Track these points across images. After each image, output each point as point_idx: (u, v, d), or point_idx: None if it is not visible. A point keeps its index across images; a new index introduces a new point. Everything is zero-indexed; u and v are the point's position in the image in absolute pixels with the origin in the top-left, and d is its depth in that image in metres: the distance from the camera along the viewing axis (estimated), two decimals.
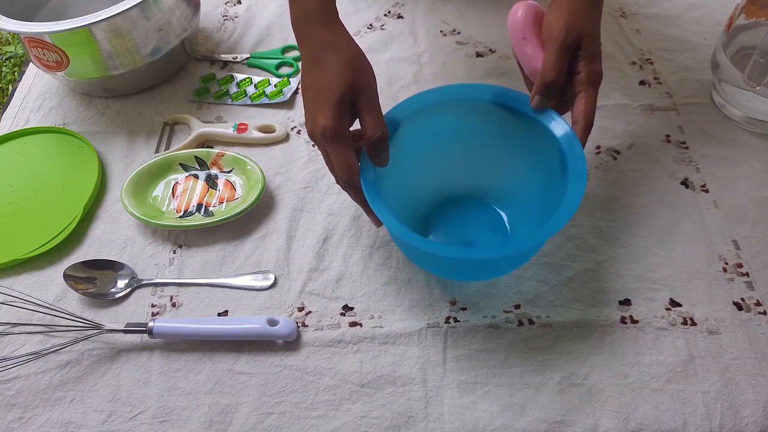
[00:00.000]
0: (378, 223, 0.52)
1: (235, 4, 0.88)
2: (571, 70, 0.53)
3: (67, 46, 0.67)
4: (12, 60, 1.79)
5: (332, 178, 0.66)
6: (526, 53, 0.55)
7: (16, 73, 1.74)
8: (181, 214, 0.63)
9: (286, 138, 0.70)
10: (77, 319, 0.55)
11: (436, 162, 0.58)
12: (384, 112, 0.52)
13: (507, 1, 0.60)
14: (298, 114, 0.73)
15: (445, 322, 0.55)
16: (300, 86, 0.58)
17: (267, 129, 0.70)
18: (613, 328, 0.54)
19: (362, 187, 0.50)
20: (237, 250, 0.61)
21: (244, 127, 0.70)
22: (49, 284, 0.59)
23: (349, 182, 0.50)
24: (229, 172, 0.66)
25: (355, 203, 0.53)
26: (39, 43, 0.68)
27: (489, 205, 0.62)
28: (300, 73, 0.56)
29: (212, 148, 0.69)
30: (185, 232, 0.62)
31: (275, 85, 0.75)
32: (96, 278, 0.59)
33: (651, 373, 0.51)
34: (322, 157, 0.70)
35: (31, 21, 0.68)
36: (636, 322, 0.54)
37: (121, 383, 0.53)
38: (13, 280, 0.60)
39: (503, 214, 0.61)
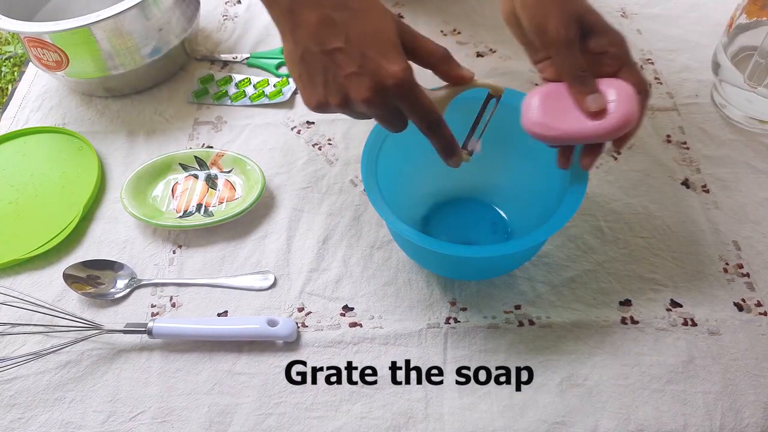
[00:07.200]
0: (458, 162, 0.47)
1: (235, 4, 0.88)
2: (587, 52, 0.48)
3: (67, 46, 0.67)
4: (12, 60, 1.79)
5: (332, 178, 0.66)
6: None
7: (15, 73, 1.74)
8: (181, 214, 0.63)
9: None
10: (77, 320, 0.55)
11: (436, 162, 0.58)
12: None
13: None
14: (298, 114, 0.73)
15: (445, 323, 0.55)
16: (313, 48, 0.42)
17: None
18: (613, 328, 0.54)
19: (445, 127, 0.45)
20: (237, 250, 0.61)
21: None
22: (48, 284, 0.59)
23: (438, 118, 0.44)
24: (228, 172, 0.66)
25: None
26: (39, 43, 0.67)
27: (489, 205, 0.62)
28: (302, 38, 0.42)
29: (212, 148, 0.69)
30: (185, 232, 0.62)
31: (274, 85, 0.75)
32: (96, 278, 0.59)
33: (651, 374, 0.51)
34: (320, 159, 0.69)
35: (31, 21, 0.68)
36: (636, 322, 0.54)
37: (121, 383, 0.53)
38: (13, 280, 0.60)
39: (504, 214, 0.61)
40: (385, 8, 0.43)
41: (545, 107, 0.48)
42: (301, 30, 0.42)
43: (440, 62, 0.45)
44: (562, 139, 0.48)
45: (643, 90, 0.48)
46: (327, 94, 0.43)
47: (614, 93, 0.46)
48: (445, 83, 0.47)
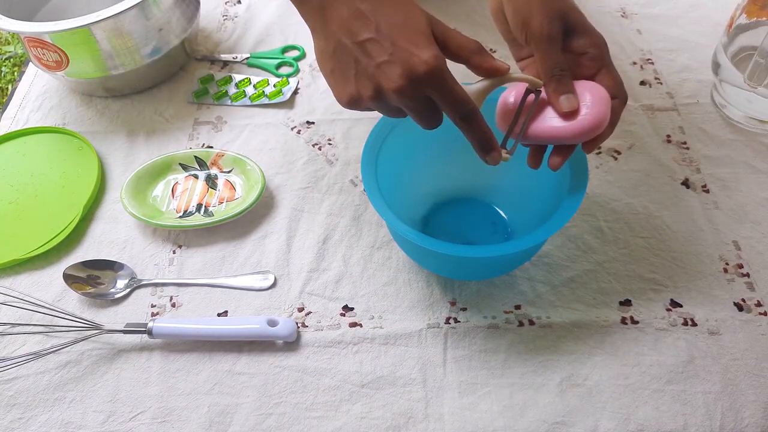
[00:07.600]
0: (497, 159, 0.44)
1: (235, 4, 0.88)
2: (568, 51, 0.48)
3: (67, 46, 0.67)
4: (12, 60, 1.79)
5: (332, 178, 0.66)
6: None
7: (15, 73, 1.74)
8: (181, 214, 0.63)
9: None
10: (77, 320, 0.55)
11: (436, 162, 0.58)
12: None
13: None
14: (297, 114, 0.73)
15: (445, 323, 0.55)
16: (344, 40, 0.42)
17: None
18: (613, 328, 0.54)
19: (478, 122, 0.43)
20: (237, 250, 0.61)
21: None
22: (48, 284, 0.59)
23: (474, 109, 0.42)
24: (228, 172, 0.66)
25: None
26: (39, 43, 0.67)
27: (489, 205, 0.62)
28: (334, 32, 0.42)
29: (212, 148, 0.69)
30: (185, 232, 0.62)
31: (274, 85, 0.75)
32: (96, 278, 0.59)
33: (651, 374, 0.51)
34: (320, 159, 0.69)
35: (31, 21, 0.68)
36: (636, 322, 0.54)
37: (121, 383, 0.53)
38: (13, 280, 0.60)
39: (504, 214, 0.61)
40: (415, 1, 0.43)
41: (518, 104, 0.48)
42: (333, 24, 0.42)
43: (473, 55, 0.43)
44: (530, 137, 0.48)
45: (620, 95, 0.48)
46: (359, 86, 0.42)
47: (588, 95, 0.46)
48: (479, 78, 0.45)
